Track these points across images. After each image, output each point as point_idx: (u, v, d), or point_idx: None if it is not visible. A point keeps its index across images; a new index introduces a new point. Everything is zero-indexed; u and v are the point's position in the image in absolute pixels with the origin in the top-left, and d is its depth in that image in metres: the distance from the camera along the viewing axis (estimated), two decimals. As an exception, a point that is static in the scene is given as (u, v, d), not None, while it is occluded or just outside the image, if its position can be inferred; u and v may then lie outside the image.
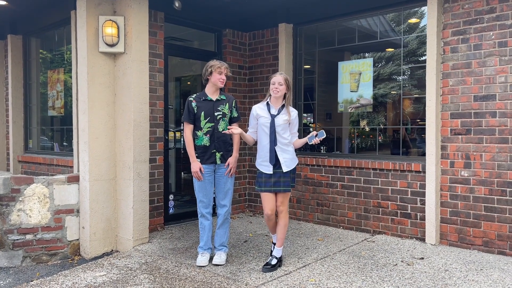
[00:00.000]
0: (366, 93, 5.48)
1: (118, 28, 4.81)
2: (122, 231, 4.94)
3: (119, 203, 4.98)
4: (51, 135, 6.72)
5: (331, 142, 5.94)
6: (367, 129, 5.80)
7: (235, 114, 4.37)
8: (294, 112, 4.16)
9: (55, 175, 4.93)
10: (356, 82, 5.56)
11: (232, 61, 6.42)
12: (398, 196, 5.09)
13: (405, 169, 5.00)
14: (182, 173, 9.78)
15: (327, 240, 5.02)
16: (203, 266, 4.19)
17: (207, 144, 4.22)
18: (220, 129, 4.23)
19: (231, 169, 4.29)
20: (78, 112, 4.98)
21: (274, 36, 6.25)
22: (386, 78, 5.57)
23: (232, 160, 4.29)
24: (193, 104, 4.24)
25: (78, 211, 4.91)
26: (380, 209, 5.24)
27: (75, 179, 4.91)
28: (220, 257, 4.27)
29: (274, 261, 4.13)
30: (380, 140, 5.57)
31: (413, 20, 5.40)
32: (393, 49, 5.53)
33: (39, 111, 6.85)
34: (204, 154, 4.24)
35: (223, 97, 4.32)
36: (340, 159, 5.56)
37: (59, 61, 6.41)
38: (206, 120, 4.21)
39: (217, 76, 4.20)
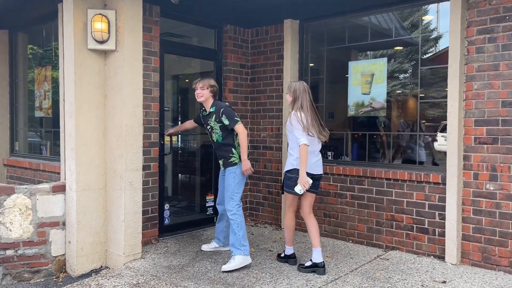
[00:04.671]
0: (379, 96, 5.05)
1: (108, 23, 4.36)
2: (113, 246, 4.51)
3: (109, 215, 4.55)
4: (39, 137, 6.28)
5: (340, 149, 5.51)
6: (379, 135, 5.37)
7: (225, 122, 4.39)
8: (291, 116, 4.14)
9: (39, 185, 4.48)
10: (368, 84, 5.12)
11: (233, 60, 5.97)
12: (414, 209, 4.67)
13: (422, 180, 4.57)
14: (179, 174, 9.37)
15: (337, 257, 4.59)
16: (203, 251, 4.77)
17: (215, 153, 4.72)
18: (215, 140, 4.54)
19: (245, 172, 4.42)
20: (64, 114, 4.54)
21: (279, 33, 5.81)
22: (402, 80, 5.14)
23: (242, 165, 4.40)
24: (200, 115, 4.75)
25: (64, 224, 4.48)
26: (394, 222, 4.82)
27: (60, 189, 4.47)
28: (229, 263, 4.26)
29: (308, 263, 4.20)
30: (394, 148, 5.13)
31: (429, 17, 4.96)
32: (409, 48, 5.10)
33: (27, 112, 6.40)
34: None
35: (212, 109, 4.51)
36: (350, 167, 5.13)
37: (47, 58, 5.96)
38: (207, 132, 4.63)
39: (195, 93, 4.55)
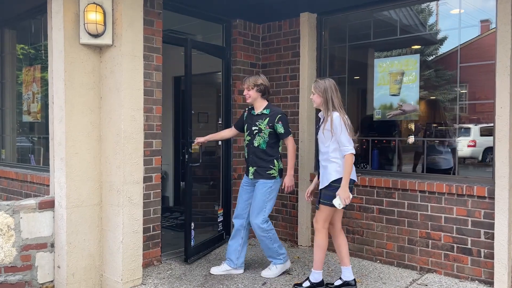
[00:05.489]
0: (410, 97, 4.48)
1: (104, 13, 3.78)
2: (109, 270, 3.92)
3: (105, 235, 3.96)
4: (30, 143, 5.68)
5: (363, 157, 4.92)
6: (411, 141, 4.79)
7: (280, 130, 4.05)
8: (334, 120, 3.59)
9: (23, 201, 3.87)
10: (397, 84, 4.55)
11: (243, 58, 5.40)
12: (454, 226, 4.08)
13: (464, 193, 3.99)
14: (181, 183, 8.78)
15: (367, 282, 4.00)
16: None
17: (246, 157, 4.24)
18: (256, 144, 4.10)
19: (288, 188, 4.15)
20: (53, 119, 3.95)
21: (294, 28, 5.24)
22: (437, 79, 4.58)
23: (286, 180, 4.11)
24: (245, 114, 4.33)
25: (52, 245, 3.88)
26: (430, 241, 4.23)
27: (48, 205, 3.87)
28: (269, 270, 4.14)
29: (338, 282, 3.80)
30: (427, 156, 4.55)
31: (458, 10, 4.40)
32: (442, 44, 4.54)
33: (15, 116, 5.80)
34: (246, 165, 4.26)
35: (266, 111, 4.11)
36: (377, 178, 4.54)
37: (37, 56, 5.37)
38: (247, 133, 4.21)
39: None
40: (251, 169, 4.11)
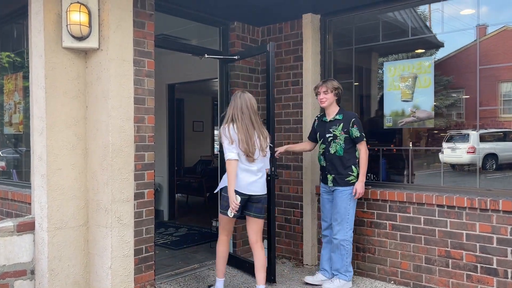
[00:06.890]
0: (424, 103, 4.13)
1: (89, 14, 3.43)
2: (96, 299, 3.52)
3: (92, 259, 3.56)
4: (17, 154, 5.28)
5: (374, 168, 4.57)
6: (426, 150, 4.45)
7: (356, 134, 3.93)
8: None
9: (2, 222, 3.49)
10: (409, 88, 4.21)
11: (241, 63, 5.04)
12: (478, 244, 3.72)
13: (488, 207, 3.64)
14: (176, 195, 8.38)
15: (383, 307, 3.63)
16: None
17: (324, 165, 4.12)
18: (332, 151, 4.01)
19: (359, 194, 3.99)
20: (34, 131, 3.57)
21: (296, 30, 4.90)
22: (453, 83, 4.25)
23: (358, 186, 3.95)
24: (316, 123, 4.23)
25: (32, 272, 3.48)
26: (450, 260, 3.87)
27: (28, 228, 3.48)
28: (332, 283, 3.99)
29: None
30: (445, 167, 4.20)
31: (470, 10, 4.09)
32: (456, 45, 4.22)
33: (-3, 127, 5.41)
34: (321, 174, 4.23)
35: (339, 117, 4.01)
36: (390, 191, 4.18)
37: (23, 64, 4.99)
38: (321, 141, 4.12)
39: (318, 98, 4.10)
40: (330, 177, 4.02)
